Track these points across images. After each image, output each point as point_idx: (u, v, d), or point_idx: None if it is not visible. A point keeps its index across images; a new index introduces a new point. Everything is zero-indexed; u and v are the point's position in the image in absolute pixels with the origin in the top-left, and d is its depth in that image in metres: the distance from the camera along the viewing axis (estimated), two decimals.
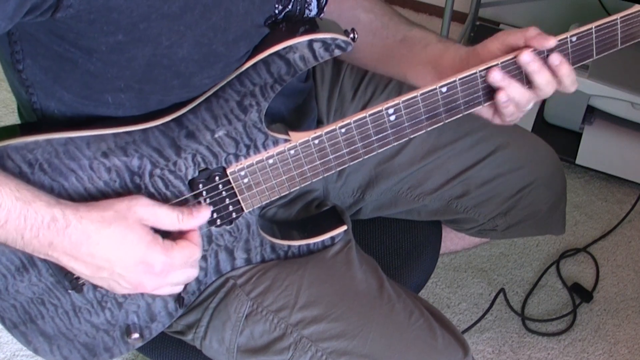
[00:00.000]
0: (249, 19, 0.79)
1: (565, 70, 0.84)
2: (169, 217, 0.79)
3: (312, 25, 0.81)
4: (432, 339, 0.94)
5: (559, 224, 1.25)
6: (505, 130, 1.13)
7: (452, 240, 1.31)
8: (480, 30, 2.20)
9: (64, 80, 0.78)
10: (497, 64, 0.84)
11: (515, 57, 0.84)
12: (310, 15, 0.90)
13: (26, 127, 0.85)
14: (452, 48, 0.93)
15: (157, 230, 0.81)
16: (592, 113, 1.83)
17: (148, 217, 0.78)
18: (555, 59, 0.83)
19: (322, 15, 0.93)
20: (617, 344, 1.60)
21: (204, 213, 0.83)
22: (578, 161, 1.85)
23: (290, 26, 0.84)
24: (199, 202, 0.86)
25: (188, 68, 0.78)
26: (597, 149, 1.83)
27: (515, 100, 0.85)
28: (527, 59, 0.83)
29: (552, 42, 0.83)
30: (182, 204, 0.85)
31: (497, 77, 0.84)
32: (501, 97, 0.84)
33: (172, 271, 0.80)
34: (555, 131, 1.88)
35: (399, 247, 1.19)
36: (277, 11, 0.83)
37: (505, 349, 1.60)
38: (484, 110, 0.90)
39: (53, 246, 0.73)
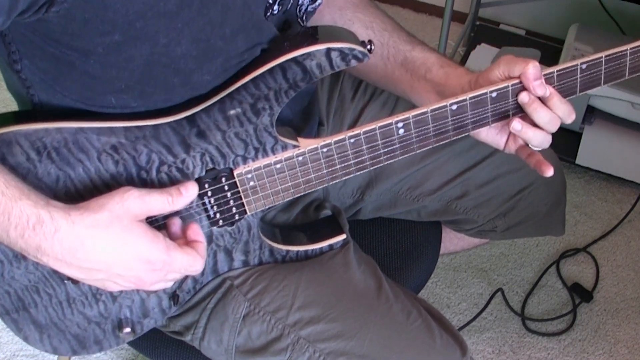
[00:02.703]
0: (246, 11, 0.79)
1: (557, 104, 0.85)
2: (159, 202, 0.77)
3: (329, 34, 0.82)
4: (430, 339, 0.94)
5: (559, 224, 1.25)
6: None
7: (451, 240, 1.31)
8: (480, 30, 2.20)
9: (64, 82, 0.78)
10: (507, 86, 0.84)
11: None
12: (304, 3, 0.90)
13: (22, 114, 0.84)
14: (454, 75, 0.92)
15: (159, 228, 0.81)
16: (592, 113, 1.83)
17: (141, 208, 0.75)
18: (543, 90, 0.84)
19: (318, 2, 0.92)
20: (617, 344, 1.60)
21: (192, 190, 0.80)
22: (578, 161, 1.85)
23: (306, 33, 0.84)
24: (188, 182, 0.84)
25: (187, 65, 0.78)
26: (597, 149, 1.83)
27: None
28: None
29: (544, 91, 0.83)
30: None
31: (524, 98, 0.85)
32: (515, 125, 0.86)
33: (172, 271, 0.79)
34: (555, 131, 1.88)
35: (399, 247, 1.19)
36: (270, 1, 0.83)
37: (505, 349, 1.60)
38: (496, 137, 0.92)
39: (42, 250, 0.71)
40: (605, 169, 1.85)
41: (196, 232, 0.82)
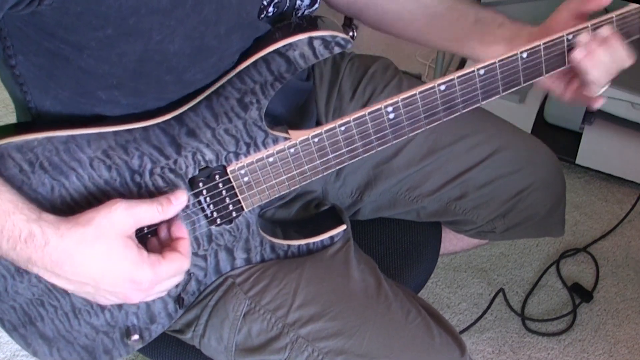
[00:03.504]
0: (242, 11, 0.79)
1: (617, 43, 0.85)
2: (149, 213, 0.78)
3: (312, 24, 0.82)
4: (429, 338, 0.94)
5: (559, 226, 1.24)
6: (504, 132, 1.14)
7: (451, 241, 1.31)
8: None
9: (58, 77, 0.78)
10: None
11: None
12: (302, 5, 0.90)
13: (22, 125, 0.84)
14: (524, 28, 0.94)
15: (144, 234, 0.81)
16: (592, 113, 1.83)
17: (129, 222, 0.76)
18: (605, 30, 0.85)
19: (316, 6, 0.93)
20: (617, 344, 1.60)
21: (182, 197, 0.81)
22: (578, 161, 1.85)
23: (291, 24, 0.84)
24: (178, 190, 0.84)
25: (180, 63, 0.78)
26: (597, 149, 1.84)
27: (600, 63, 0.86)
28: (578, 55, 0.85)
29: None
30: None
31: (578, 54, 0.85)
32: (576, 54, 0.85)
33: (159, 283, 0.79)
34: (555, 131, 1.88)
35: (399, 247, 1.19)
36: (265, 2, 0.83)
37: (505, 349, 1.60)
38: (555, 84, 0.93)
39: (32, 262, 0.72)
40: (605, 169, 1.86)
41: (179, 228, 0.82)
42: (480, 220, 1.15)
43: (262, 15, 0.84)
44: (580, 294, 1.67)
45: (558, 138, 1.86)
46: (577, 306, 1.66)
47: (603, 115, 1.82)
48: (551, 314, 1.65)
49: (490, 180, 1.11)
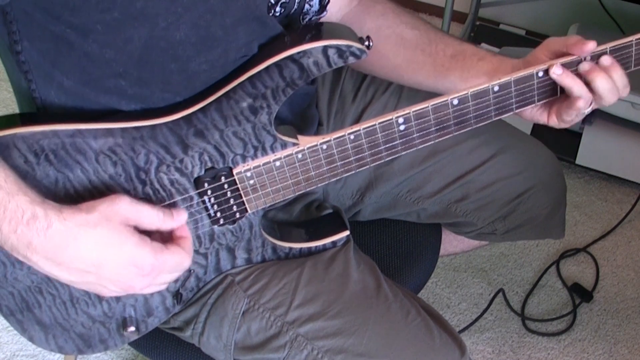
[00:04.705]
0: (250, 4, 0.79)
1: (618, 74, 0.86)
2: (150, 215, 0.77)
3: (327, 31, 0.82)
4: (429, 338, 0.94)
5: (559, 228, 1.24)
6: (505, 134, 1.14)
7: (451, 242, 1.31)
8: (480, 30, 2.20)
9: (62, 64, 0.78)
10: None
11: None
12: (310, 10, 0.90)
13: (26, 116, 0.85)
14: (507, 60, 0.93)
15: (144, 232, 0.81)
16: (592, 113, 1.82)
17: (131, 215, 0.75)
18: (606, 60, 0.85)
19: (325, 13, 0.92)
20: (617, 344, 1.61)
21: (182, 216, 0.81)
22: (578, 161, 1.85)
23: (305, 30, 0.84)
24: (182, 207, 0.85)
25: (185, 51, 0.78)
26: (597, 149, 1.84)
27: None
28: (557, 71, 0.85)
29: (591, 46, 0.84)
30: (188, 201, 0.86)
31: (557, 71, 0.85)
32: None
33: (161, 273, 0.78)
34: (555, 131, 1.87)
35: (399, 248, 1.19)
36: (272, 1, 0.83)
37: (505, 349, 1.60)
38: (536, 113, 0.94)
39: (32, 247, 0.70)
40: (605, 169, 1.86)
41: (181, 229, 0.81)
42: (481, 222, 1.15)
43: (270, 14, 0.84)
44: (580, 294, 1.68)
45: (558, 138, 1.86)
46: (577, 306, 1.66)
47: (603, 115, 1.82)
48: (551, 314, 1.66)
49: (491, 182, 1.11)
